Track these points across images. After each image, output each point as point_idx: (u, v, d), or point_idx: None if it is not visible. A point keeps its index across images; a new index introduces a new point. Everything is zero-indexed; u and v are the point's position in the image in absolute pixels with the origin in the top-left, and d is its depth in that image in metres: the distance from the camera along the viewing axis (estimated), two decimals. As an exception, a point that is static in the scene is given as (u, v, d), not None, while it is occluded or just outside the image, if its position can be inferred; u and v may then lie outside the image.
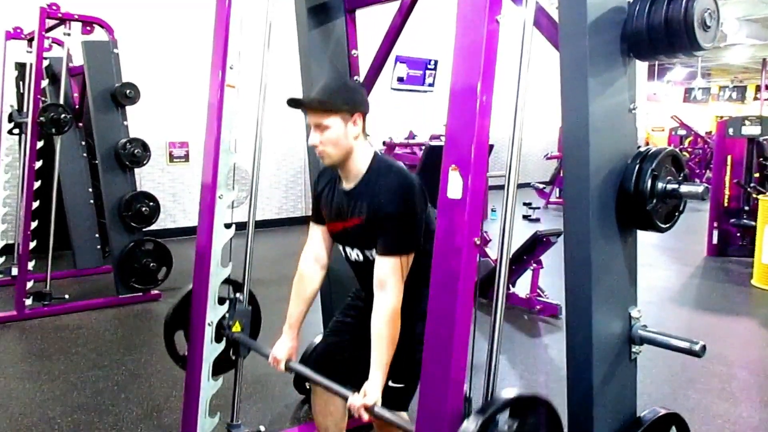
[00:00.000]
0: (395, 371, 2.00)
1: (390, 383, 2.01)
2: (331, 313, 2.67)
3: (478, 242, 1.54)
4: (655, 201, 1.84)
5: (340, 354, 2.24)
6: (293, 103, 1.94)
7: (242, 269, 2.55)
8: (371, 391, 1.82)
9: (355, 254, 2.10)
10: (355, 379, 2.18)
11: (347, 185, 2.04)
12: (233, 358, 2.60)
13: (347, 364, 2.20)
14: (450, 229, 1.55)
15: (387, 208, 1.90)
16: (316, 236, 2.20)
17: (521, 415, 1.54)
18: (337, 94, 1.93)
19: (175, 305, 2.65)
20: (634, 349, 2.01)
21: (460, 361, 1.57)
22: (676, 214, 1.96)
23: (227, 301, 2.54)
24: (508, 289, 4.87)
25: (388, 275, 1.87)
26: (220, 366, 2.58)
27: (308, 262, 2.20)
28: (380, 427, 2.14)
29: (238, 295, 2.55)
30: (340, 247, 2.16)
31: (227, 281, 2.57)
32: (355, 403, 1.82)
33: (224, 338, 2.54)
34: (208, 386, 2.55)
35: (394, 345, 1.87)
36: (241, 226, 2.46)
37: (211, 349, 2.54)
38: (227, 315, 2.53)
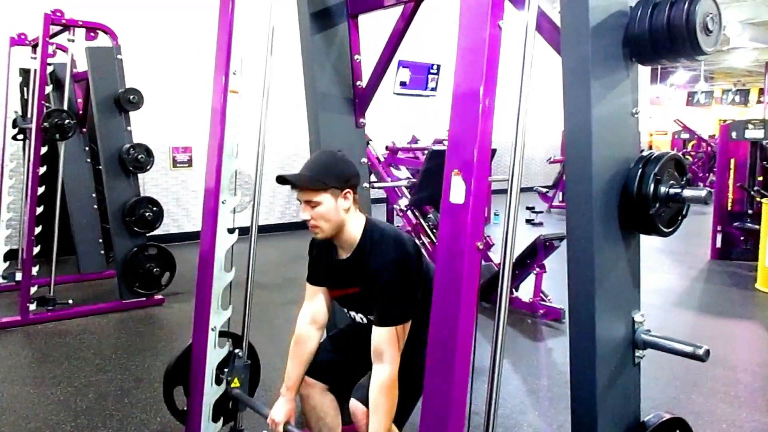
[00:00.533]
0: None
1: None
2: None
3: (481, 246, 1.54)
4: (658, 205, 1.84)
5: (340, 363, 2.24)
6: (282, 181, 1.96)
7: (242, 315, 2.57)
8: None
9: (359, 318, 2.16)
10: (354, 385, 2.19)
11: (342, 254, 2.08)
12: (232, 411, 2.63)
13: (346, 373, 2.21)
14: (452, 233, 1.56)
15: (382, 279, 1.93)
16: (313, 297, 2.20)
17: None
18: (327, 170, 1.96)
19: (174, 360, 2.67)
20: (637, 354, 2.00)
21: (463, 365, 1.57)
22: (679, 218, 1.95)
23: (226, 355, 2.58)
24: (511, 293, 4.87)
25: (385, 346, 1.90)
26: (220, 413, 2.63)
27: (305, 323, 2.20)
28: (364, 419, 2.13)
29: (237, 351, 2.57)
30: (345, 310, 2.20)
31: (226, 334, 2.59)
32: None
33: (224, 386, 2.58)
34: (212, 391, 2.56)
35: (392, 416, 1.89)
36: (243, 231, 2.47)
37: (215, 354, 2.54)
38: (226, 370, 2.56)
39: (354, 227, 2.03)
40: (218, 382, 2.56)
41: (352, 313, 2.18)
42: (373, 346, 1.93)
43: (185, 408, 2.67)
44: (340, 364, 2.24)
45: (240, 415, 2.62)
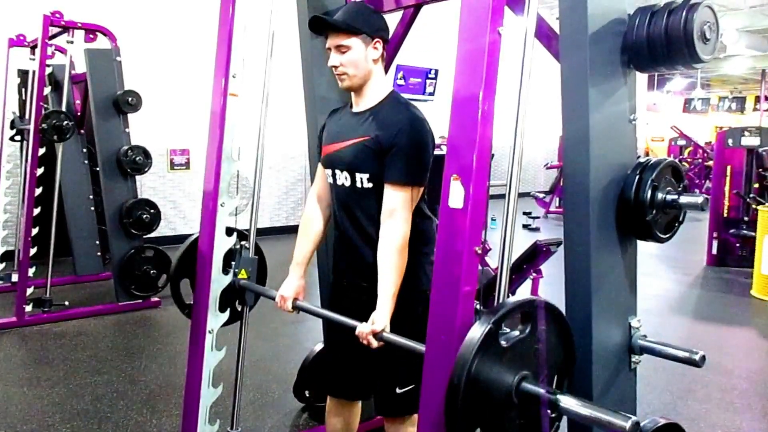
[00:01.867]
0: (401, 377, 2.01)
1: (398, 390, 2.02)
2: (329, 284, 2.64)
3: (479, 251, 1.55)
4: (654, 211, 1.85)
5: (349, 370, 2.22)
6: (316, 21, 1.95)
7: (248, 221, 2.54)
8: (379, 318, 1.82)
9: (343, 177, 2.05)
10: (367, 387, 2.20)
11: (358, 108, 2.04)
12: (239, 309, 2.56)
13: (358, 375, 2.19)
14: (451, 237, 1.56)
15: (402, 137, 1.89)
16: (321, 177, 2.20)
17: (529, 320, 1.49)
18: (359, 16, 1.96)
19: (179, 255, 2.60)
20: (634, 359, 2.01)
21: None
22: (676, 224, 1.97)
23: (233, 251, 2.51)
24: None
25: (398, 205, 1.88)
26: (225, 304, 2.54)
27: (312, 202, 2.23)
28: (391, 428, 2.15)
29: (244, 243, 2.54)
30: (329, 173, 2.12)
31: (232, 230, 2.56)
32: (364, 330, 1.82)
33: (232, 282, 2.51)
34: (209, 393, 2.55)
35: (401, 274, 1.87)
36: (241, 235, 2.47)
37: (212, 357, 2.54)
38: (233, 263, 2.51)
39: (380, 81, 2.01)
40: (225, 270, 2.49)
41: (338, 172, 2.07)
42: (385, 205, 1.90)
43: (191, 302, 2.60)
44: (350, 371, 2.21)
45: (236, 414, 2.61)
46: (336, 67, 1.97)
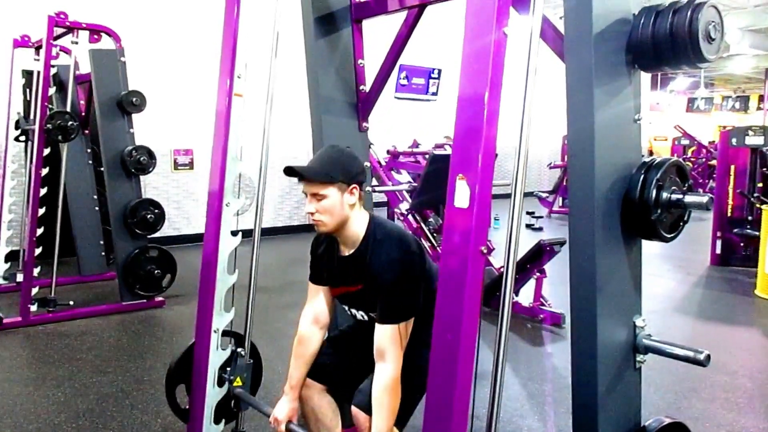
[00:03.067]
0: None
1: None
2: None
3: (485, 251, 1.55)
4: (659, 211, 1.85)
5: (339, 365, 2.25)
6: (290, 171, 1.97)
7: (244, 317, 2.57)
8: None
9: (360, 315, 2.16)
10: (354, 387, 2.19)
11: (345, 251, 2.09)
12: (234, 410, 2.61)
13: (346, 375, 2.22)
14: (456, 237, 1.57)
15: (385, 277, 1.94)
16: (316, 296, 2.21)
17: None
18: (334, 165, 1.98)
19: (176, 359, 2.68)
20: (638, 358, 2.01)
21: (466, 369, 1.58)
22: (681, 223, 1.97)
23: (229, 356, 2.59)
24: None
25: (388, 345, 1.91)
26: (222, 413, 2.62)
27: (308, 323, 2.21)
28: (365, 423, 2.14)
29: (239, 349, 2.58)
30: (345, 308, 2.20)
31: (228, 333, 2.60)
32: None
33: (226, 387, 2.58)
34: (214, 393, 2.56)
35: (394, 415, 1.90)
36: (245, 233, 2.47)
37: (217, 356, 2.55)
38: (228, 369, 2.57)
39: (358, 224, 2.04)
40: (220, 383, 2.56)
41: (353, 311, 2.18)
42: (375, 345, 1.94)
43: (187, 407, 2.68)
44: (340, 366, 2.24)
45: (242, 415, 2.62)
46: (312, 213, 1.99)
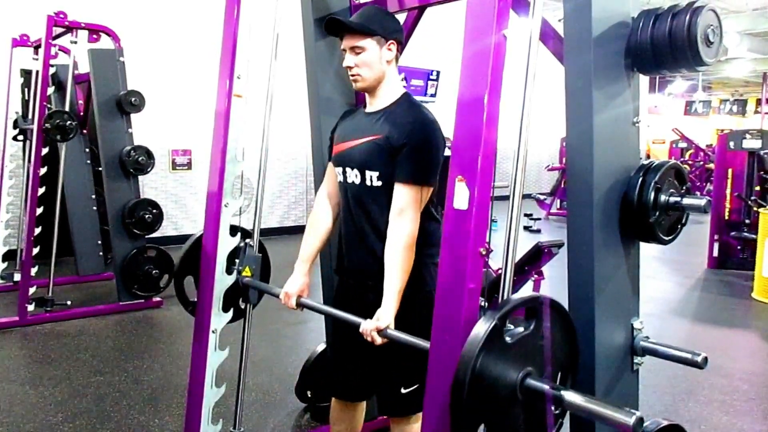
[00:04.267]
0: (406, 376, 2.02)
1: (403, 390, 2.03)
2: (332, 284, 2.66)
3: (484, 253, 1.56)
4: (658, 213, 1.86)
5: (353, 372, 2.23)
6: (332, 22, 1.98)
7: (252, 219, 2.54)
8: (384, 315, 1.83)
9: (353, 175, 2.07)
10: (370, 387, 2.21)
11: (372, 108, 2.06)
12: (242, 306, 2.57)
13: (361, 376, 2.21)
14: (455, 239, 1.57)
15: (413, 137, 1.91)
16: (331, 175, 2.21)
17: (533, 316, 1.50)
18: (375, 18, 1.99)
19: (184, 252, 2.60)
20: (636, 360, 2.02)
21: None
22: (679, 226, 1.97)
23: (238, 248, 2.52)
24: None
25: (407, 204, 1.89)
26: (229, 304, 2.54)
27: (322, 198, 2.24)
28: (397, 427, 2.16)
29: (248, 240, 2.54)
30: (339, 171, 2.13)
31: (236, 228, 2.56)
32: (368, 327, 1.83)
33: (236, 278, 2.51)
34: (211, 393, 2.56)
35: (407, 273, 1.88)
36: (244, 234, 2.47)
37: (215, 357, 2.55)
38: (237, 260, 2.51)
39: (394, 83, 2.03)
40: (229, 271, 2.50)
41: (348, 170, 2.09)
42: (394, 204, 1.91)
43: (195, 299, 2.60)
44: (354, 371, 2.22)
45: (239, 414, 2.62)
46: (350, 67, 1.98)
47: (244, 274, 2.50)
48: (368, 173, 2.01)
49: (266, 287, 2.47)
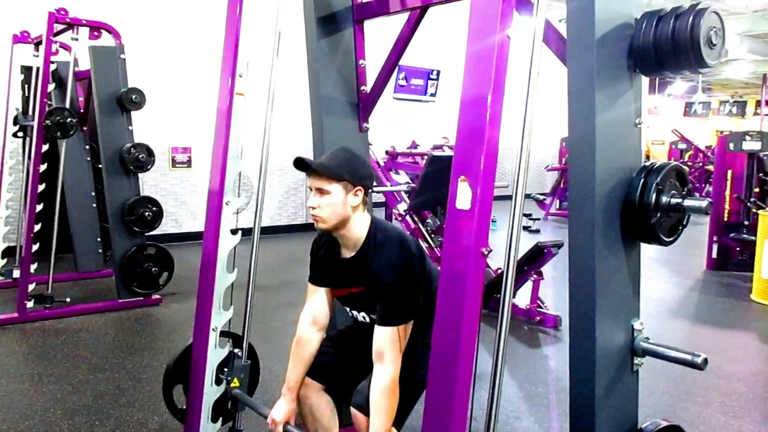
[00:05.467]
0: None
1: None
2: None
3: (486, 252, 1.56)
4: (659, 214, 1.86)
5: (338, 365, 2.25)
6: (300, 163, 2.00)
7: (242, 317, 2.56)
8: None
9: (361, 317, 2.17)
10: (352, 387, 2.20)
11: (346, 253, 2.10)
12: (232, 411, 2.60)
13: (345, 374, 2.23)
14: (458, 238, 1.57)
15: (385, 279, 1.96)
16: (315, 298, 2.22)
17: None
18: (343, 164, 2.01)
19: (174, 359, 2.68)
20: (636, 361, 2.02)
21: (466, 370, 1.58)
22: (680, 227, 1.98)
23: (226, 355, 2.58)
24: (509, 299, 4.87)
25: (387, 346, 1.93)
26: (219, 412, 2.62)
27: (306, 325, 2.22)
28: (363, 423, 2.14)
29: (236, 350, 2.58)
30: (347, 309, 2.22)
31: (226, 334, 2.59)
32: None
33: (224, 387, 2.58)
34: (211, 391, 2.56)
35: (392, 417, 1.92)
36: (245, 232, 2.47)
37: (215, 355, 2.55)
38: (226, 370, 2.56)
39: (359, 226, 2.05)
40: (218, 382, 2.56)
41: (355, 313, 2.19)
42: (374, 346, 1.95)
43: (184, 407, 2.68)
44: (339, 365, 2.25)
45: (239, 415, 2.62)
46: (313, 207, 2.00)
47: (233, 385, 2.54)
48: (373, 315, 2.08)
49: (254, 404, 2.49)
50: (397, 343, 1.93)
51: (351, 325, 2.32)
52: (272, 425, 2.16)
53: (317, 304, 2.21)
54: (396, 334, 1.93)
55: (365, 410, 1.99)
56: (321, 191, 1.99)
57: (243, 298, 2.55)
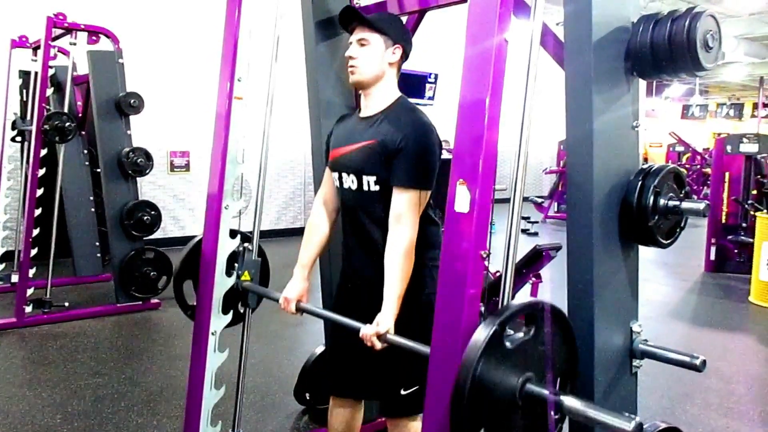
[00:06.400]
0: (406, 378, 2.03)
1: (402, 392, 2.03)
2: (331, 288, 2.67)
3: (485, 255, 1.56)
4: (657, 217, 1.87)
5: (351, 370, 2.24)
6: (347, 11, 2.04)
7: (253, 216, 2.54)
8: (383, 320, 1.84)
9: (350, 180, 2.08)
10: (370, 387, 2.20)
11: (366, 112, 2.08)
12: (242, 311, 2.57)
13: (359, 375, 2.20)
14: (457, 241, 1.58)
15: (409, 141, 1.92)
16: (328, 181, 2.23)
17: (533, 322, 1.50)
18: (388, 21, 2.05)
19: (183, 256, 2.60)
20: (635, 363, 2.02)
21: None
22: (678, 230, 1.98)
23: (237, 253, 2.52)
24: (508, 302, 4.87)
25: (406, 209, 1.90)
26: (228, 306, 2.54)
27: (318, 205, 2.25)
28: (395, 429, 2.16)
29: (247, 245, 2.54)
30: (335, 176, 2.15)
31: (236, 233, 2.56)
32: (368, 332, 1.83)
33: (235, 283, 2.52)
34: (211, 395, 2.56)
35: (407, 278, 1.89)
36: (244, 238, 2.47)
37: (214, 358, 2.55)
38: (236, 264, 2.51)
39: (389, 87, 2.05)
40: (228, 274, 2.50)
41: (344, 176, 2.09)
42: (393, 209, 1.92)
43: (194, 303, 2.59)
44: (353, 371, 2.22)
45: (238, 416, 2.62)
46: (351, 57, 2.01)
47: (243, 278, 2.50)
48: (365, 178, 2.02)
49: (265, 291, 2.47)
50: (417, 207, 1.91)
51: (339, 331, 2.26)
52: (285, 304, 2.19)
53: (329, 186, 2.23)
54: (417, 198, 1.91)
55: (402, 415, 2.07)
56: (361, 41, 2.00)
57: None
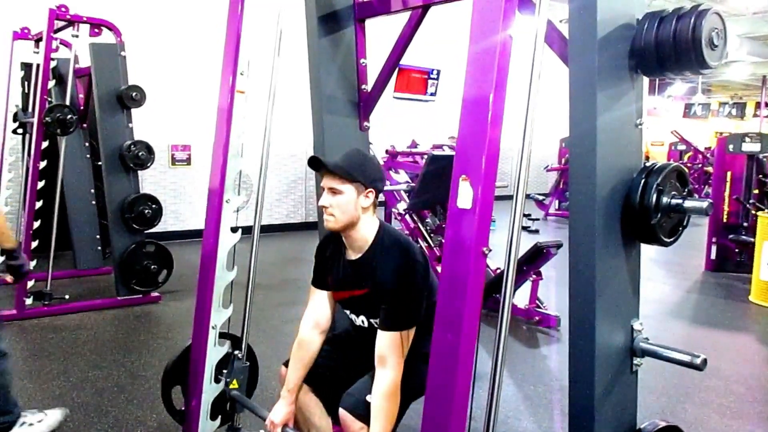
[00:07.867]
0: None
1: (367, 398, 2.03)
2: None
3: (487, 252, 1.56)
4: (659, 215, 1.86)
5: (329, 368, 2.26)
6: (315, 162, 2.02)
7: (242, 318, 2.56)
8: None
9: (360, 321, 2.17)
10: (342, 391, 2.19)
11: (353, 255, 2.10)
12: (230, 412, 2.61)
13: (336, 378, 2.23)
14: (459, 238, 1.57)
15: (390, 284, 1.97)
16: (317, 301, 2.22)
17: None
18: (357, 165, 2.02)
19: (173, 360, 2.68)
20: (635, 362, 2.02)
21: (466, 369, 1.59)
22: (680, 228, 1.98)
23: (225, 355, 2.58)
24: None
25: (389, 351, 1.93)
26: (218, 412, 2.62)
27: (308, 328, 2.21)
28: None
29: (236, 352, 2.58)
30: (347, 312, 2.22)
31: (225, 336, 2.59)
32: None
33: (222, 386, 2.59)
34: (210, 389, 2.56)
35: (393, 421, 1.92)
36: (245, 230, 2.47)
37: (215, 352, 2.55)
38: (224, 371, 2.56)
39: (367, 228, 2.06)
40: (217, 381, 2.56)
41: (354, 316, 2.19)
42: (377, 351, 1.95)
43: (182, 408, 2.68)
44: (333, 369, 2.25)
45: (237, 415, 2.62)
46: (326, 207, 2.02)
47: (231, 386, 2.54)
48: (372, 320, 2.11)
49: (253, 406, 2.49)
50: (400, 348, 1.94)
51: (348, 329, 2.32)
52: (271, 427, 2.15)
53: (319, 307, 2.21)
54: (399, 339, 1.94)
55: (356, 414, 1.99)
56: (334, 191, 2.00)
57: (242, 297, 2.55)
